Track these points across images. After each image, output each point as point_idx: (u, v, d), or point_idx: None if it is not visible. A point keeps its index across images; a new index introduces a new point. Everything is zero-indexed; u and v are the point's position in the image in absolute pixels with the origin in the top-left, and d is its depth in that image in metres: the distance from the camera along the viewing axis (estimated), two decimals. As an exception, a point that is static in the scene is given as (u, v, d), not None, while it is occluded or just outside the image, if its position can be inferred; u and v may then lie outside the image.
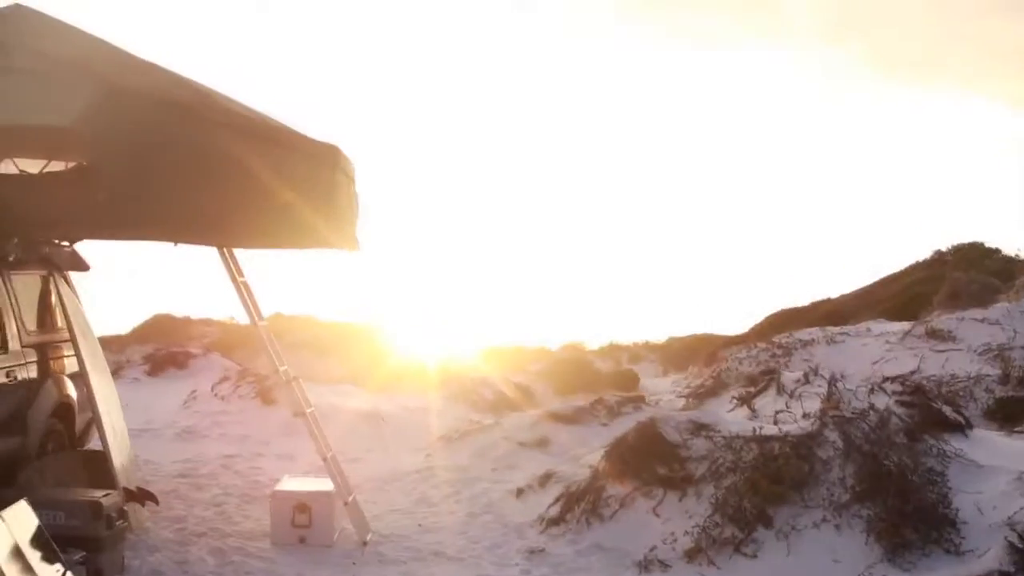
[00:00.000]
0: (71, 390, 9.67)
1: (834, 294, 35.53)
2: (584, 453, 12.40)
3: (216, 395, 16.46)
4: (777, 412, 11.68)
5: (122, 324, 28.52)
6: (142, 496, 9.47)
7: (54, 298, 9.66)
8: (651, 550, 9.07)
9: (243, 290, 9.49)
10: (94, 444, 10.03)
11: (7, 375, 8.51)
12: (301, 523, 9.28)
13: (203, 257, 9.49)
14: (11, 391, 8.57)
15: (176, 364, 18.55)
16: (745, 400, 12.58)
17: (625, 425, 13.28)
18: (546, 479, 10.89)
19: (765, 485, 9.45)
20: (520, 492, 10.96)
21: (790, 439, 9.88)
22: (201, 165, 8.73)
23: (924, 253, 33.89)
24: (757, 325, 35.78)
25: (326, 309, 33.56)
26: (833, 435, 9.95)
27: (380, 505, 10.62)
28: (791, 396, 12.34)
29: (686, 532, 9.15)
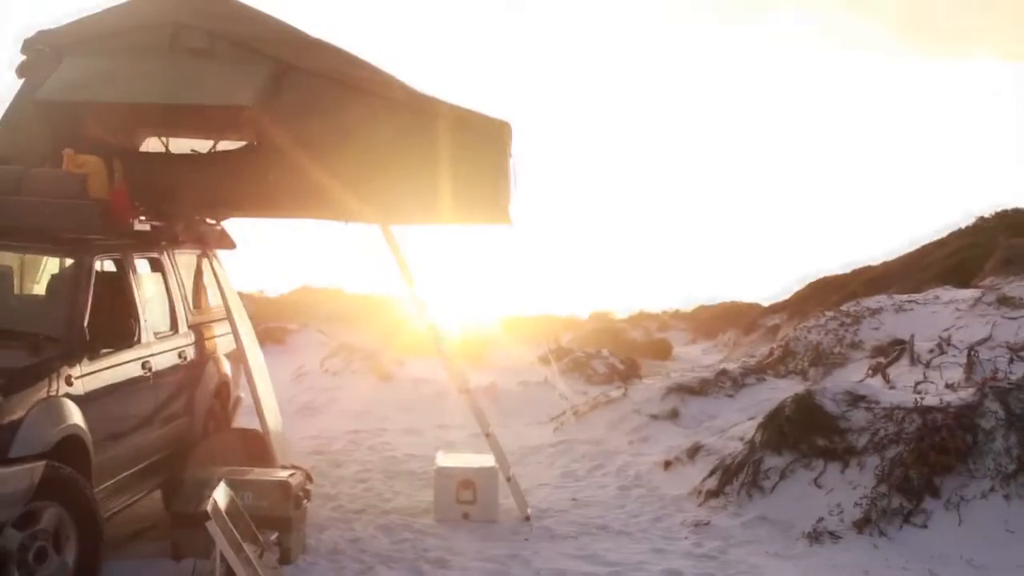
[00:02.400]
0: (227, 369, 9.66)
1: (853, 262, 35.06)
2: (718, 425, 12.33)
3: (327, 370, 16.47)
4: (917, 383, 11.53)
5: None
6: (300, 474, 9.46)
7: (207, 277, 9.62)
8: (819, 521, 8.97)
9: (404, 267, 9.43)
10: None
11: (179, 356, 8.48)
12: (465, 499, 9.24)
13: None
14: (182, 372, 8.54)
15: (274, 339, 18.56)
16: (879, 370, 12.44)
17: (749, 396, 13.23)
18: (694, 451, 10.80)
19: (932, 456, 9.32)
20: (668, 464, 10.88)
21: (951, 410, 9.73)
22: (369, 143, 8.75)
23: (952, 219, 33.44)
24: (797, 292, 35.52)
25: (350, 280, 33.40)
26: (994, 405, 9.79)
27: (526, 479, 10.53)
28: (927, 366, 12.20)
29: (856, 504, 9.04)
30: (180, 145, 9.34)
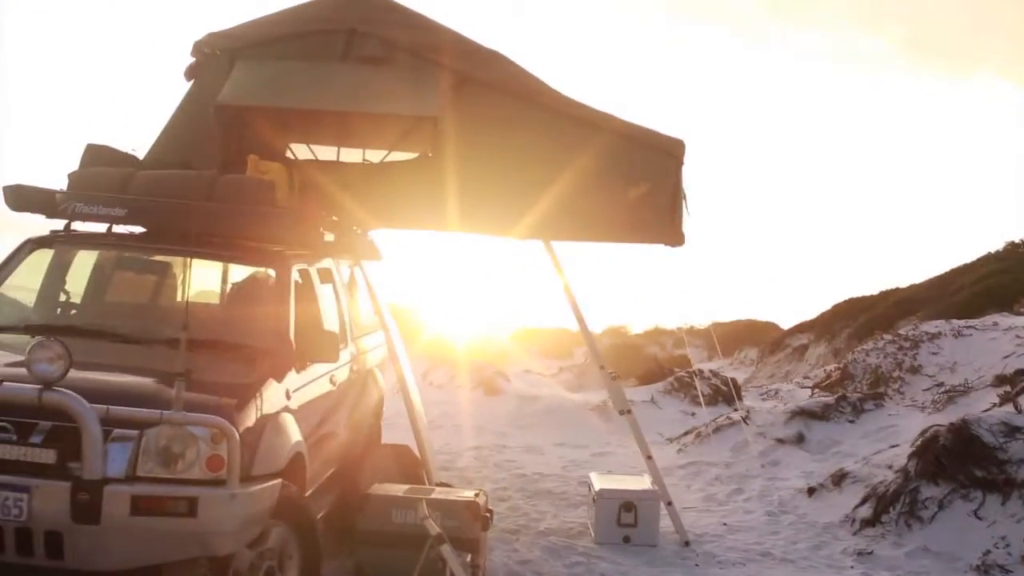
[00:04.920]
0: (383, 384, 9.53)
1: (866, 285, 34.86)
2: (844, 451, 12.19)
3: (431, 383, 16.30)
4: (1057, 412, 11.32)
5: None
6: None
7: (361, 287, 9.48)
8: (985, 554, 8.79)
9: (567, 284, 9.28)
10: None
11: (351, 369, 8.34)
12: (626, 522, 9.09)
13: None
14: (353, 386, 8.40)
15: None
16: (1009, 399, 12.23)
17: (870, 422, 13.06)
18: (839, 478, 10.62)
19: (1098, 489, 9.15)
20: (812, 491, 10.71)
21: (1109, 441, 9.56)
22: (544, 157, 8.63)
23: (973, 243, 33.48)
24: (823, 313, 35.34)
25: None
26: None
27: (666, 502, 10.40)
28: (1061, 394, 11.99)
29: (1024, 538, 8.86)
30: (351, 155, 9.21)
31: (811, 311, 31.78)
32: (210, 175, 7.49)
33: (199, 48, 8.84)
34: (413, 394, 9.43)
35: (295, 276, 7.26)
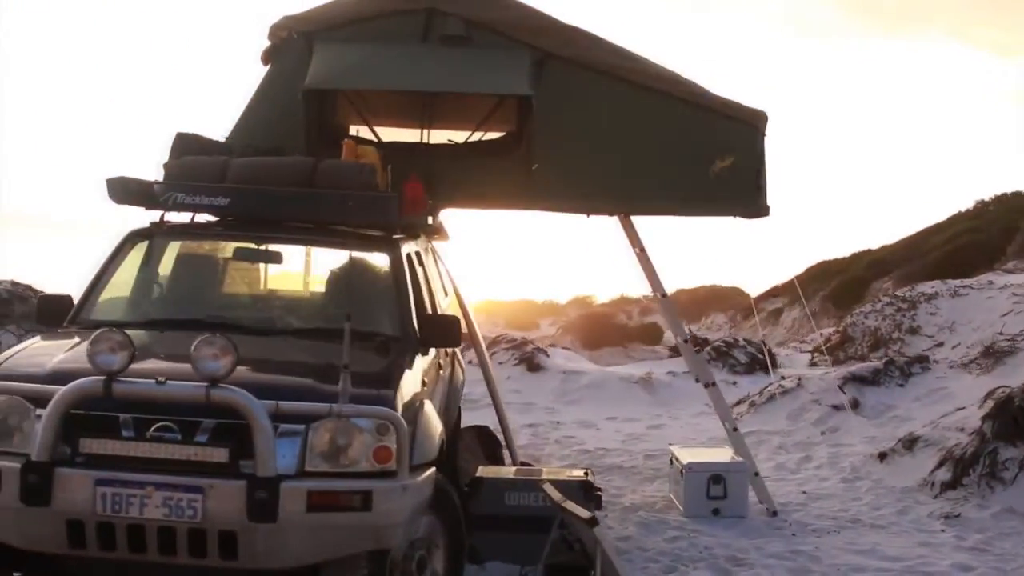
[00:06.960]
0: (464, 365, 9.48)
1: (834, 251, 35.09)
2: (900, 415, 12.26)
3: (470, 361, 16.17)
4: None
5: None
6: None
7: (439, 269, 9.39)
8: (1073, 514, 8.87)
9: (645, 260, 9.22)
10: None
11: (445, 352, 8.25)
12: (715, 495, 9.10)
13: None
14: (447, 369, 8.32)
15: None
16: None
17: (920, 386, 13.11)
18: (910, 443, 10.66)
19: None
20: (883, 456, 10.76)
21: None
22: (629, 132, 8.59)
23: (934, 203, 33.88)
24: (796, 276, 35.44)
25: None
26: None
27: (739, 472, 10.40)
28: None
29: (1110, 496, 8.94)
30: (435, 136, 9.10)
31: (774, 276, 32.01)
32: (309, 161, 7.32)
33: (276, 31, 8.71)
34: (493, 373, 9.40)
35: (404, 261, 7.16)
